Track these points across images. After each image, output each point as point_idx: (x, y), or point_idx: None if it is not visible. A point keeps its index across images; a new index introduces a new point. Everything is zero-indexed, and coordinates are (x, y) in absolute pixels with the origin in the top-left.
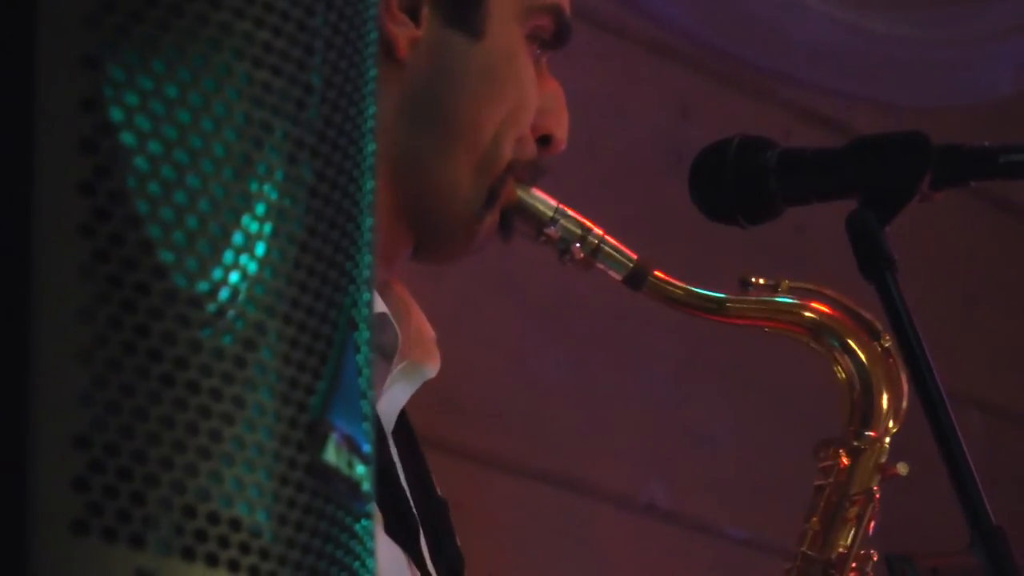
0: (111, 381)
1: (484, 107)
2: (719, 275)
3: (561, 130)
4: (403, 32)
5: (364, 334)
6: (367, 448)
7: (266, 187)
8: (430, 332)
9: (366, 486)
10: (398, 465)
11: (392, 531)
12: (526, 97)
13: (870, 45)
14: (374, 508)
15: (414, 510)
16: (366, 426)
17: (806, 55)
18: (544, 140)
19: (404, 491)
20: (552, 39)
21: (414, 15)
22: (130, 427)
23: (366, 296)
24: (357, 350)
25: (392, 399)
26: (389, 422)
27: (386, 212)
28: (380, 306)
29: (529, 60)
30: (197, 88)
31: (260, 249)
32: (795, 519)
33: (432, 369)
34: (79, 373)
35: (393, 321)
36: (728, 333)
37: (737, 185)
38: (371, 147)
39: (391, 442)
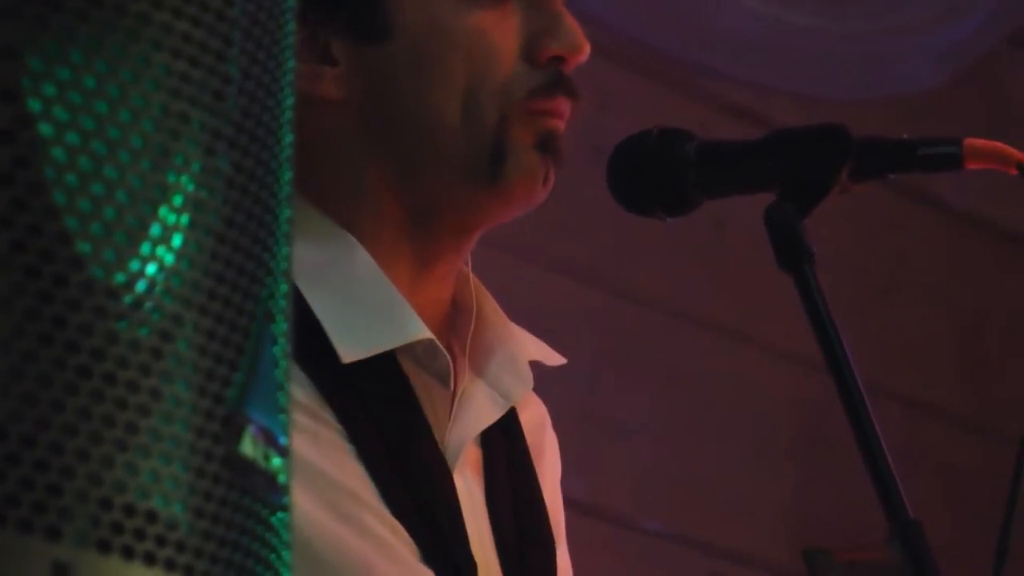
0: (28, 372)
1: (429, 96)
2: (639, 267)
3: (565, 43)
4: (319, 80)
5: (281, 326)
6: (284, 440)
7: (184, 178)
8: (527, 355)
9: (282, 478)
10: (467, 495)
11: (433, 564)
12: (480, 56)
13: (790, 37)
14: (291, 500)
15: (469, 551)
16: (283, 418)
17: (726, 47)
18: (556, 59)
19: (462, 526)
20: None
21: (327, 56)
22: (47, 419)
23: (284, 287)
24: (274, 342)
25: (462, 428)
26: (456, 452)
27: (404, 225)
28: (424, 332)
29: (475, 13)
30: (115, 79)
31: (177, 240)
32: (713, 512)
33: (520, 393)
34: None
35: (442, 348)
36: (643, 323)
37: (656, 177)
38: (289, 138)
39: (460, 472)
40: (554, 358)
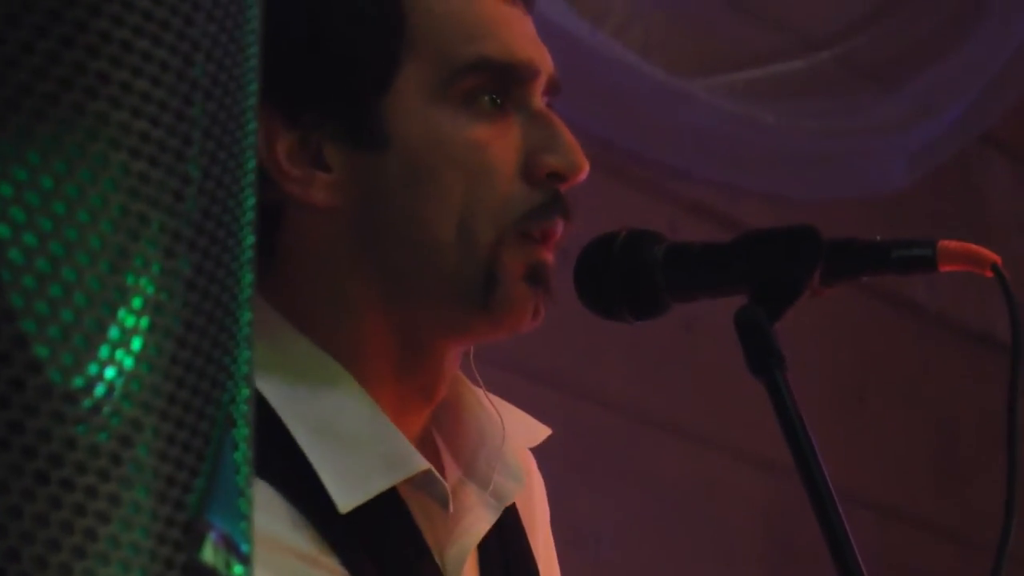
0: None
1: (423, 211)
2: (605, 370)
3: (563, 160)
4: (311, 186)
5: (243, 431)
6: (245, 548)
7: (143, 280)
8: (516, 447)
9: None
10: None
11: None
12: (477, 171)
13: (759, 136)
14: None
15: None
16: (244, 525)
17: (693, 146)
18: (555, 177)
19: None
20: (506, 86)
21: (320, 161)
22: (3, 525)
23: (245, 392)
24: (235, 447)
25: (462, 545)
26: (457, 568)
27: (396, 354)
28: (420, 463)
29: (473, 126)
30: (73, 179)
31: (137, 344)
32: None
33: (514, 490)
34: None
35: (438, 476)
36: (610, 427)
37: (623, 280)
38: (250, 240)
39: None
40: (539, 432)
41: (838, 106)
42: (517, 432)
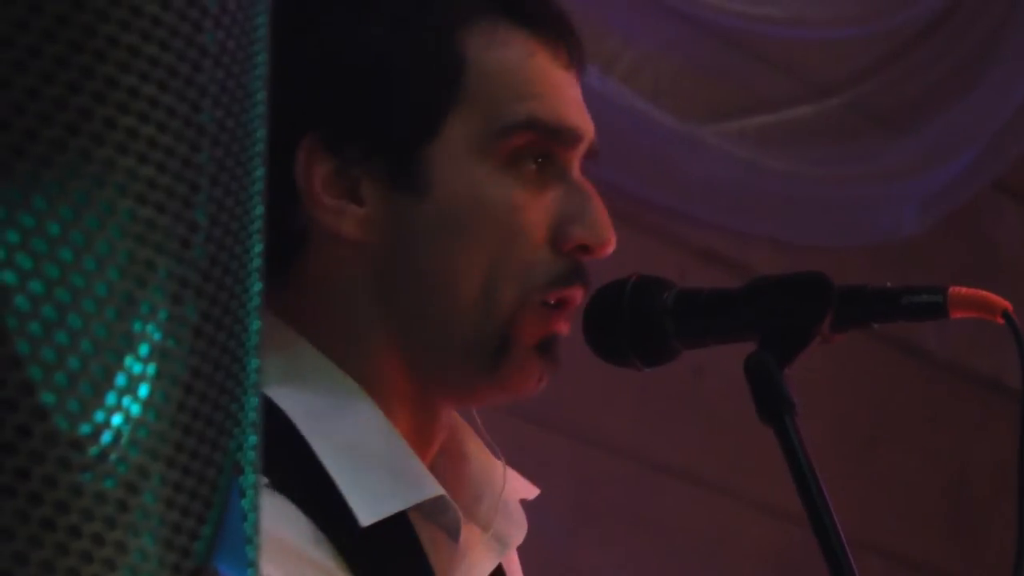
0: None
1: (454, 262)
2: (615, 417)
3: (592, 234)
4: (344, 218)
5: (250, 478)
6: None
7: (150, 327)
8: (516, 493)
9: None
10: None
11: None
12: (510, 232)
13: (769, 183)
14: None
15: None
16: (251, 572)
17: (703, 192)
18: (582, 249)
19: None
20: (550, 149)
21: (355, 194)
22: (9, 572)
23: (252, 439)
24: (243, 494)
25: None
26: None
27: (407, 392)
28: (436, 488)
29: (513, 188)
30: (80, 226)
31: (144, 391)
32: None
33: (517, 537)
34: None
35: (452, 502)
36: (620, 474)
37: (633, 327)
38: (257, 286)
39: None
40: (531, 491)
41: (848, 152)
42: (515, 483)
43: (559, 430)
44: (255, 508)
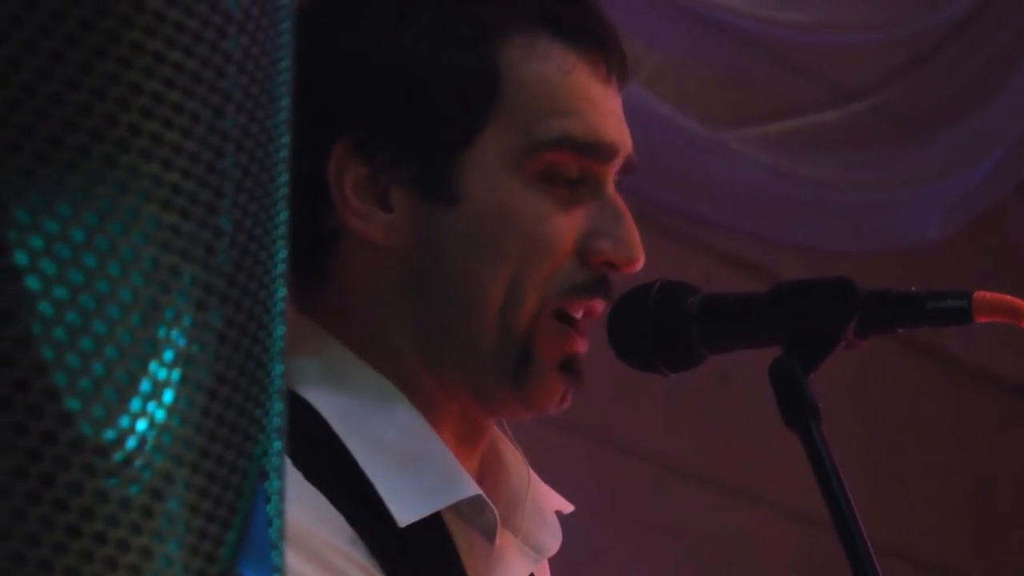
0: (16, 531)
1: (479, 271)
2: (640, 422)
3: (620, 251)
4: (372, 223)
5: (275, 483)
6: None
7: (174, 333)
8: (551, 505)
9: None
10: None
11: None
12: (536, 244)
13: (794, 188)
14: None
15: None
16: None
17: (728, 198)
18: (608, 265)
19: None
20: (584, 164)
21: (384, 200)
22: None
23: (277, 445)
24: (267, 500)
25: None
26: None
27: (436, 396)
28: (473, 488)
29: (542, 201)
30: (104, 231)
31: (168, 396)
32: None
33: (552, 546)
34: None
35: (490, 502)
36: (644, 480)
37: (658, 332)
38: (281, 292)
39: None
40: (565, 506)
41: (872, 157)
42: (551, 495)
43: (583, 435)
44: (280, 514)
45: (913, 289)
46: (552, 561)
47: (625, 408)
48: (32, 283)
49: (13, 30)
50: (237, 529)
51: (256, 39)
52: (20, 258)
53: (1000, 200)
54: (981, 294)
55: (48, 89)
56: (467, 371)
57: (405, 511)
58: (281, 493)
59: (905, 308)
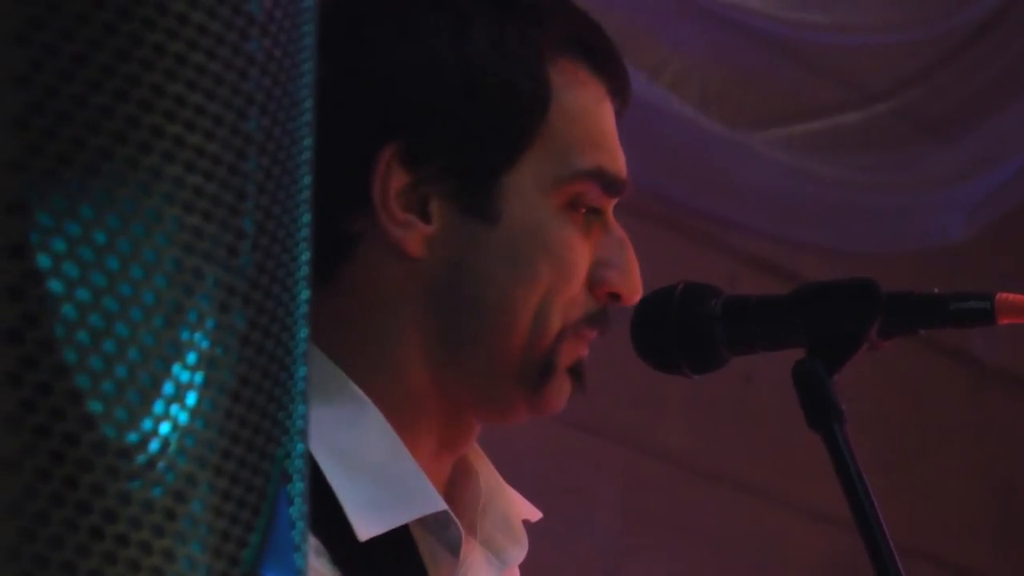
0: (39, 534)
1: (513, 291)
2: (664, 424)
3: (626, 283)
4: (411, 232)
5: (298, 486)
6: None
7: (197, 335)
8: (519, 514)
9: None
10: None
11: None
12: (564, 268)
13: (817, 190)
14: None
15: None
16: None
17: (752, 200)
18: (612, 296)
19: None
20: (603, 198)
21: (424, 211)
22: None
23: (300, 447)
24: (290, 502)
25: None
26: None
27: (429, 403)
28: (439, 504)
29: (568, 228)
30: (127, 234)
31: (191, 399)
32: None
33: (517, 555)
34: (6, 526)
35: (455, 518)
36: (669, 481)
37: (681, 334)
38: (305, 294)
39: None
40: (533, 514)
41: (895, 159)
42: (520, 503)
43: (609, 437)
44: (303, 516)
45: (936, 291)
46: (576, 560)
47: (650, 410)
48: (55, 286)
49: (36, 33)
50: (260, 531)
51: (278, 41)
52: (43, 261)
53: (1022, 202)
54: (1004, 295)
55: (71, 91)
56: (483, 380)
57: (367, 525)
58: (304, 496)
59: (928, 309)
